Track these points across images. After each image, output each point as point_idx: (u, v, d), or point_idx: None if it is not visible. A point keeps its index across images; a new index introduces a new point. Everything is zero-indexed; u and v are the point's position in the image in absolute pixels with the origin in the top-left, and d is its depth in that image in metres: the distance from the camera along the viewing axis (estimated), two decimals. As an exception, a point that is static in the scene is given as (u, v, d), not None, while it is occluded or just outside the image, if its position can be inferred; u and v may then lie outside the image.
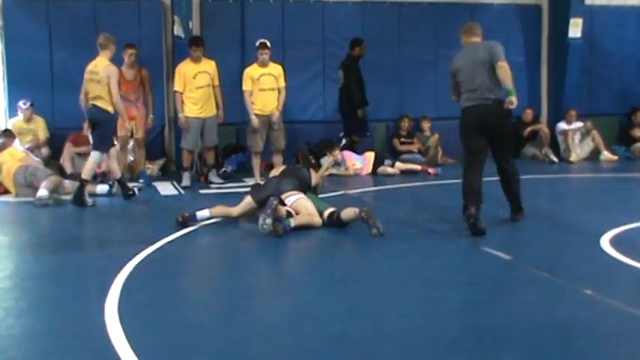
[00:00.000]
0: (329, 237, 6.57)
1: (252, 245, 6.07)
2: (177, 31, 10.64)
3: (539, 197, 8.78)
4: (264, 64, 9.30)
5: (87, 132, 10.32)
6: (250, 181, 9.65)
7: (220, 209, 6.95)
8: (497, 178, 6.68)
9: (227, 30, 11.46)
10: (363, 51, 11.03)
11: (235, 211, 6.93)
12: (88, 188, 8.37)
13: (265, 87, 9.28)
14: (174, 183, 9.79)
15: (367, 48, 11.84)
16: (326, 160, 10.51)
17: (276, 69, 9.40)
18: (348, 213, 6.49)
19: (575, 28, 12.15)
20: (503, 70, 6.37)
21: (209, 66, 9.56)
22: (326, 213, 6.58)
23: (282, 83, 9.40)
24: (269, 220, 6.09)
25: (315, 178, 7.15)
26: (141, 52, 10.97)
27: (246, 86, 9.31)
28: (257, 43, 9.30)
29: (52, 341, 3.79)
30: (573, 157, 11.81)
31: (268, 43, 9.27)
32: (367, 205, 7.05)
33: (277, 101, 9.39)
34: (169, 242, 6.10)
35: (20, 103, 10.45)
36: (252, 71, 9.35)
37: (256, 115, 9.28)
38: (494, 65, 6.44)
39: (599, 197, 8.63)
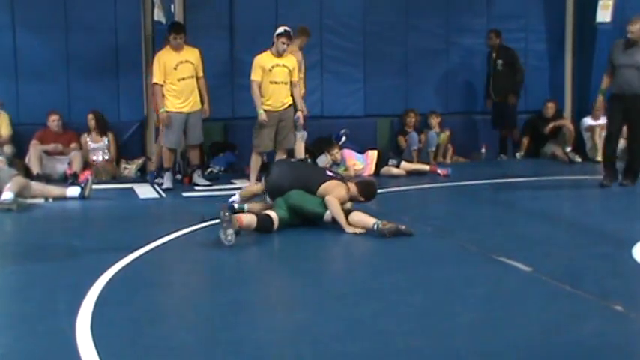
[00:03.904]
0: (326, 244, 6.58)
1: (241, 255, 6.06)
2: (158, 15, 10.63)
3: (561, 202, 8.80)
4: (279, 54, 9.21)
5: (54, 126, 10.38)
6: (240, 184, 9.66)
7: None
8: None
9: (214, 15, 11.45)
10: None
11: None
12: (59, 192, 8.53)
13: (277, 80, 9.18)
14: (155, 185, 9.78)
15: (370, 36, 11.94)
16: (323, 160, 10.51)
17: (290, 61, 9.30)
18: (360, 220, 6.59)
19: (604, 12, 12.11)
20: None
21: (192, 55, 9.55)
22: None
23: (296, 76, 9.33)
24: (230, 231, 6.10)
25: (332, 189, 6.97)
26: (117, 39, 11.01)
27: (256, 76, 9.16)
28: (278, 30, 9.12)
29: (16, 363, 3.79)
30: (601, 157, 11.79)
31: (291, 33, 9.19)
32: (372, 211, 7.05)
33: (289, 97, 9.30)
34: (149, 251, 6.09)
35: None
36: (264, 60, 9.21)
37: (265, 110, 9.18)
38: None
39: (631, 202, 8.62)
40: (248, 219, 6.45)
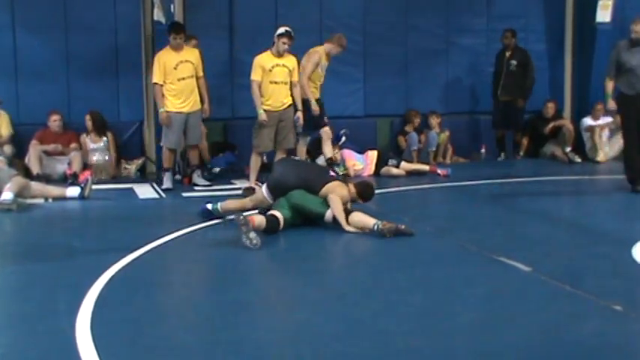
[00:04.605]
0: (326, 244, 6.58)
1: (242, 255, 6.05)
2: (158, 15, 10.63)
3: (561, 202, 8.80)
4: (279, 55, 9.20)
5: (55, 126, 10.38)
6: (239, 183, 9.67)
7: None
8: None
9: (214, 15, 11.45)
10: None
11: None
12: (59, 192, 8.64)
13: (278, 80, 9.17)
14: (154, 185, 9.79)
15: (370, 36, 11.95)
16: (322, 161, 10.51)
17: (290, 61, 9.29)
18: (360, 220, 6.59)
19: (604, 12, 12.11)
20: None
21: (192, 55, 9.54)
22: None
23: (295, 77, 9.32)
24: (252, 234, 6.10)
25: (334, 188, 6.99)
26: (117, 39, 11.00)
27: (256, 76, 9.14)
28: (279, 30, 9.10)
29: (16, 363, 3.79)
30: (601, 157, 11.80)
31: (293, 33, 9.19)
32: (371, 211, 7.05)
33: (289, 97, 9.28)
34: (149, 251, 6.09)
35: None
36: (264, 60, 9.19)
37: (265, 110, 9.17)
38: None
39: (631, 202, 8.61)
40: (258, 220, 6.46)
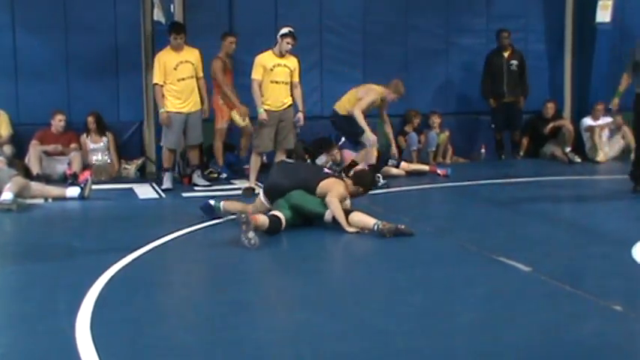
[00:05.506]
0: (326, 245, 6.58)
1: (242, 255, 6.05)
2: (157, 15, 10.64)
3: (561, 202, 8.80)
4: (281, 55, 9.18)
5: (59, 126, 10.39)
6: (239, 183, 9.67)
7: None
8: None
9: (214, 15, 11.45)
10: None
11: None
12: (59, 192, 8.66)
13: (278, 79, 9.15)
14: (154, 185, 9.79)
15: (370, 36, 11.96)
16: (322, 160, 10.51)
17: (292, 61, 9.26)
18: (360, 220, 6.59)
19: (604, 12, 12.12)
20: None
21: (192, 55, 9.55)
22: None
23: (296, 77, 9.30)
24: (251, 234, 6.10)
25: (330, 185, 6.98)
26: (116, 39, 11.00)
27: (257, 75, 9.11)
28: (283, 30, 9.08)
29: (16, 363, 3.79)
30: (601, 157, 11.80)
31: (295, 34, 9.18)
32: (371, 211, 7.05)
33: (289, 97, 9.27)
34: (149, 251, 6.09)
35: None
36: (266, 59, 9.17)
37: (265, 110, 9.14)
38: None
39: (631, 202, 8.60)
40: (261, 219, 6.45)
